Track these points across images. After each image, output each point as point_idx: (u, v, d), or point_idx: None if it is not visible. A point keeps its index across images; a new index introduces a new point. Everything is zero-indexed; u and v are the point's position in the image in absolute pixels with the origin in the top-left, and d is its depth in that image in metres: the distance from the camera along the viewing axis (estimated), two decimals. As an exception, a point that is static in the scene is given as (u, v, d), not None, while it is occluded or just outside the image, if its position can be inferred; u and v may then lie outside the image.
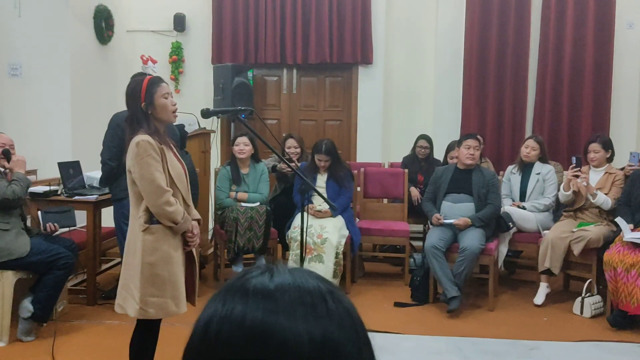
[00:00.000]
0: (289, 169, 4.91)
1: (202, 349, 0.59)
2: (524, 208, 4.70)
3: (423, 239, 5.53)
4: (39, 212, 3.64)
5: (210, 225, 5.26)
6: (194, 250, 2.78)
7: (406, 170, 5.25)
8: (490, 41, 6.16)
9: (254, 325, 0.57)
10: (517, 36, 6.13)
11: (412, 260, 4.98)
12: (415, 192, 5.34)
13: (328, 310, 0.60)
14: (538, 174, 4.80)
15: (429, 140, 5.69)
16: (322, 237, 4.38)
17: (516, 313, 4.25)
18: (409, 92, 6.50)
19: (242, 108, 2.81)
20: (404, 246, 4.95)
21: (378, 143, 6.44)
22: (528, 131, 6.14)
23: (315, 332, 0.57)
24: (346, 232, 4.53)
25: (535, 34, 6.16)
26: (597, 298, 4.21)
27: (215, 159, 5.95)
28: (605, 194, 4.38)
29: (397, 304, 4.32)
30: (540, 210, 4.70)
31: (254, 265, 0.64)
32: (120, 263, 2.81)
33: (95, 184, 4.33)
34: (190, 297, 2.76)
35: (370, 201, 5.41)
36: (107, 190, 4.29)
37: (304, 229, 3.44)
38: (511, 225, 4.50)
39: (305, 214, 3.63)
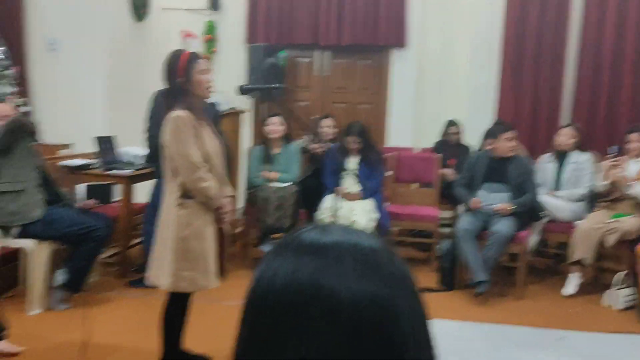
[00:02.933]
0: (320, 149, 4.90)
1: (258, 300, 0.61)
2: (558, 197, 4.62)
3: (451, 225, 5.50)
4: (81, 186, 3.71)
5: (240, 204, 5.30)
6: (224, 226, 2.81)
7: (439, 155, 5.20)
8: (529, 25, 6.01)
9: (305, 277, 0.58)
10: (557, 21, 5.98)
11: (439, 246, 4.94)
12: (447, 171, 5.30)
13: (380, 267, 0.60)
14: (574, 162, 4.70)
15: (458, 125, 5.65)
16: (351, 219, 4.37)
17: (545, 303, 4.20)
18: (443, 77, 6.40)
19: (277, 85, 2.80)
20: (433, 231, 4.91)
21: (409, 127, 6.37)
22: (564, 119, 6.00)
23: (366, 287, 0.57)
24: (375, 216, 4.52)
25: (576, 19, 5.99)
26: (629, 290, 4.12)
27: (246, 139, 5.97)
28: (644, 185, 4.27)
29: (424, 290, 4.30)
30: (574, 200, 4.61)
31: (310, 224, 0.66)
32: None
33: (130, 159, 4.39)
34: (219, 273, 2.80)
35: (400, 185, 5.38)
36: (140, 166, 4.35)
37: (336, 210, 3.43)
38: (543, 214, 4.43)
39: (334, 195, 3.64)
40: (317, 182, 4.84)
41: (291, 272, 0.59)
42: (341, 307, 0.56)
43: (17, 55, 5.58)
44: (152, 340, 2.84)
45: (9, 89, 5.21)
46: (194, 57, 2.67)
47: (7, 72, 5.23)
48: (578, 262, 4.28)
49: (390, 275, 0.60)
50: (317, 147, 4.94)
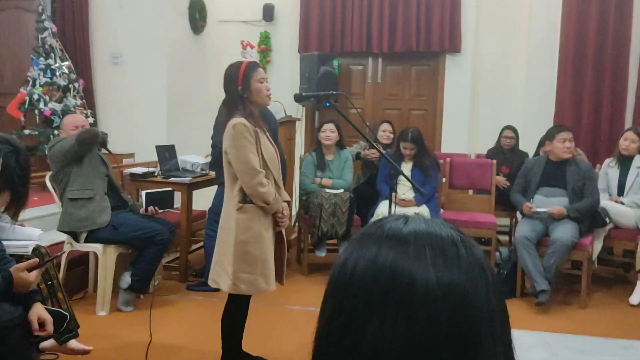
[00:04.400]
0: (375, 156, 4.91)
1: (340, 284, 0.63)
2: (622, 203, 4.45)
3: (509, 233, 5.38)
4: (142, 193, 3.86)
5: (294, 211, 5.36)
6: (283, 231, 2.86)
7: (494, 162, 5.12)
8: (589, 28, 5.85)
9: (385, 264, 0.60)
10: (618, 23, 5.78)
11: (497, 254, 4.85)
12: (499, 178, 5.21)
13: (459, 257, 0.61)
14: (638, 167, 4.53)
15: (514, 130, 5.54)
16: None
17: (610, 312, 4.05)
18: (499, 82, 6.31)
19: (334, 92, 2.84)
20: (490, 239, 4.82)
21: (464, 133, 6.30)
22: (627, 123, 5.79)
23: (444, 276, 0.59)
24: (430, 222, 4.47)
25: (638, 19, 5.78)
26: (702, 301, 3.93)
27: (299, 147, 6.05)
28: None
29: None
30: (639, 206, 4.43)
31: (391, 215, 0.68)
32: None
33: (190, 167, 4.53)
34: (279, 277, 2.85)
35: (455, 192, 5.32)
36: (199, 173, 4.49)
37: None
38: (607, 221, 4.28)
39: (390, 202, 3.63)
40: (371, 188, 4.85)
41: (372, 259, 0.61)
42: (420, 293, 0.58)
43: (83, 69, 5.87)
44: (213, 342, 2.91)
45: (75, 101, 5.48)
46: (253, 66, 2.75)
47: (73, 85, 5.52)
48: (645, 271, 4.11)
49: (469, 265, 0.61)
50: (371, 154, 4.96)
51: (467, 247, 0.63)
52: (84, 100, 5.65)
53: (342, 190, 4.67)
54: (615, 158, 4.67)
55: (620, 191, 4.57)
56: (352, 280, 0.62)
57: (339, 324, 0.62)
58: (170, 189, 3.97)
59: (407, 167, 4.66)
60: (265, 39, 6.72)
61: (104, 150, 3.84)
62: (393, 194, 4.40)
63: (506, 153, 5.52)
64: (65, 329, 2.59)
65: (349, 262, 0.63)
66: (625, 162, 4.59)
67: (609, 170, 4.68)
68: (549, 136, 4.51)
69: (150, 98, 5.77)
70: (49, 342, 2.67)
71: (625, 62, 5.81)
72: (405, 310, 0.58)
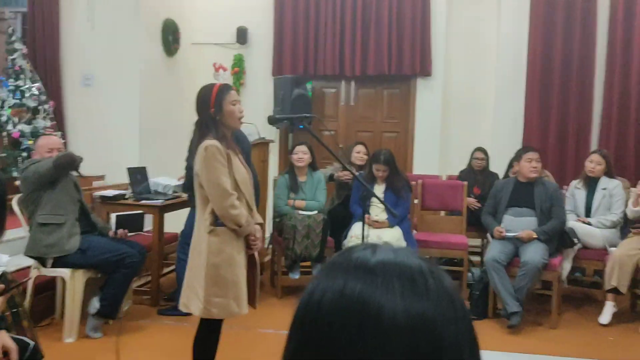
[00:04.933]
0: (348, 178, 4.93)
1: (306, 317, 0.62)
2: (589, 224, 4.55)
3: (481, 253, 5.44)
4: (112, 216, 3.80)
5: (268, 233, 5.34)
6: (255, 253, 2.85)
7: (465, 183, 5.19)
8: (555, 52, 6.02)
9: (352, 295, 0.59)
10: (583, 47, 5.97)
11: (469, 274, 4.89)
12: (471, 200, 5.28)
13: (427, 288, 0.60)
14: (604, 189, 4.64)
15: (484, 152, 5.64)
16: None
17: (580, 332, 4.10)
18: (469, 105, 6.43)
19: (307, 115, 2.87)
20: (462, 259, 4.87)
21: (436, 155, 6.38)
22: (593, 145, 5.95)
23: (412, 308, 0.58)
24: (403, 244, 4.49)
25: (602, 44, 5.98)
26: (668, 319, 4.02)
27: (273, 169, 6.05)
28: (678, 211, 4.19)
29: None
30: (606, 227, 4.53)
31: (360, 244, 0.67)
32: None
33: (162, 189, 4.49)
34: (252, 300, 2.82)
35: (428, 213, 5.36)
36: (171, 196, 4.45)
37: (364, 238, 3.44)
38: (576, 241, 4.37)
39: (363, 223, 3.65)
40: (346, 210, 4.86)
41: (339, 291, 0.60)
42: (388, 326, 0.57)
43: (53, 90, 5.81)
44: (184, 368, 2.86)
45: (45, 123, 5.41)
46: (225, 88, 2.76)
47: (43, 106, 5.44)
48: (614, 290, 4.19)
49: (438, 297, 0.60)
50: (344, 175, 4.98)
51: (436, 278, 0.62)
52: (54, 122, 5.58)
53: (315, 212, 4.67)
54: (581, 180, 4.78)
55: (587, 212, 4.67)
56: (319, 314, 0.61)
57: (305, 359, 0.61)
58: (140, 211, 3.92)
59: (379, 189, 4.69)
60: (239, 62, 6.75)
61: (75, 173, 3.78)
62: (366, 216, 4.43)
63: (477, 174, 5.60)
64: (28, 359, 2.51)
65: (315, 295, 0.62)
66: (591, 184, 4.70)
67: (575, 192, 4.78)
68: (516, 157, 4.60)
69: (122, 120, 5.72)
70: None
71: (590, 86, 5.99)
72: (375, 342, 0.57)
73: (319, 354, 0.59)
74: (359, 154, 5.14)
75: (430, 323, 0.58)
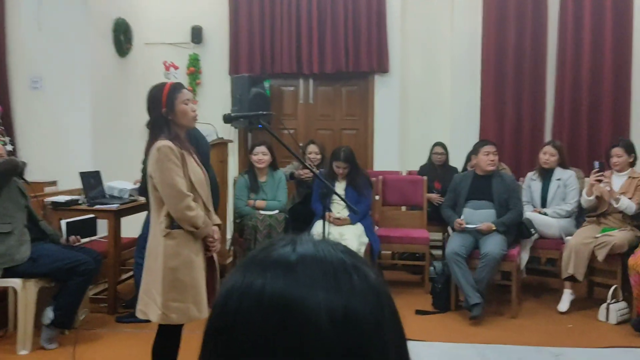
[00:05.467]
0: (308, 176, 4.91)
1: (221, 324, 0.57)
2: (545, 214, 4.64)
3: (442, 247, 5.49)
4: (62, 222, 3.66)
5: (228, 234, 5.26)
6: (214, 255, 2.78)
7: (425, 178, 5.23)
8: (508, 48, 6.13)
9: (272, 298, 0.55)
10: (535, 42, 6.10)
11: (432, 268, 4.93)
12: (433, 195, 5.33)
13: (352, 284, 0.57)
14: (559, 179, 4.74)
15: (444, 146, 5.71)
16: (341, 244, 4.35)
17: (540, 320, 4.18)
18: (426, 100, 6.49)
19: (264, 113, 2.82)
20: (424, 254, 4.90)
21: (395, 151, 6.42)
22: (547, 137, 6.08)
23: (336, 305, 0.55)
24: (365, 240, 4.50)
25: (553, 39, 6.12)
26: (623, 304, 4.13)
27: (233, 169, 5.97)
28: (629, 199, 4.31)
29: (419, 312, 4.27)
30: (562, 216, 4.64)
31: (279, 237, 0.63)
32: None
33: (117, 193, 4.36)
34: (212, 303, 2.75)
35: (389, 209, 5.38)
36: (127, 200, 4.33)
37: (325, 236, 3.42)
38: (533, 232, 4.45)
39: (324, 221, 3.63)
40: (307, 208, 4.83)
41: (258, 293, 0.56)
42: (313, 325, 0.54)
43: (0, 95, 5.57)
44: (144, 376, 2.77)
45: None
46: (177, 87, 2.68)
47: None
48: (571, 278, 4.28)
49: (363, 292, 0.57)
50: (304, 173, 4.95)
51: (360, 272, 0.58)
52: (2, 128, 5.36)
53: (276, 211, 4.63)
54: (536, 171, 4.88)
55: (543, 203, 4.76)
56: (236, 320, 0.56)
57: None
58: (92, 216, 3.80)
59: (340, 186, 4.68)
60: (194, 61, 6.63)
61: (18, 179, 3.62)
62: (327, 213, 4.41)
63: (438, 169, 5.66)
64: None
65: (231, 300, 0.57)
66: (546, 175, 4.79)
67: (531, 183, 4.87)
68: (474, 151, 4.66)
69: (73, 123, 5.53)
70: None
71: (543, 79, 6.12)
72: (297, 352, 0.53)
73: None
74: (311, 155, 5.12)
75: (355, 321, 0.55)
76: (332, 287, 0.56)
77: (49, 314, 3.45)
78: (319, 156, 5.13)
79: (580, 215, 4.74)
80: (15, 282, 3.47)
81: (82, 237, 3.67)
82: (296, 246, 0.60)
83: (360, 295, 0.56)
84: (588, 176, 4.59)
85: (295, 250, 0.59)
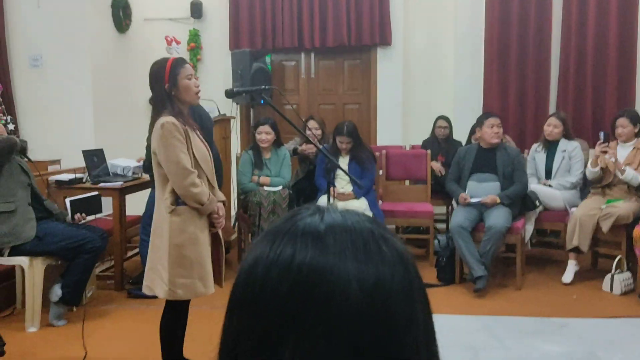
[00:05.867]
0: (311, 151, 4.89)
1: (247, 295, 0.56)
2: (550, 186, 4.63)
3: (446, 221, 5.50)
4: (67, 201, 3.66)
5: (233, 211, 5.27)
6: (219, 231, 2.79)
7: (429, 152, 5.21)
8: (512, 19, 6.04)
9: (301, 268, 0.54)
10: (539, 12, 6.00)
11: (436, 241, 4.94)
12: (436, 165, 5.31)
13: (381, 254, 0.56)
14: (564, 151, 4.72)
15: (447, 120, 5.67)
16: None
17: (544, 291, 4.20)
18: (429, 73, 6.41)
19: (266, 87, 2.79)
20: (428, 227, 4.91)
21: (398, 125, 6.37)
22: (552, 109, 6.02)
23: (366, 275, 0.54)
24: (370, 214, 4.49)
25: (558, 9, 6.02)
26: (627, 275, 4.14)
27: (235, 145, 5.95)
28: (635, 169, 4.29)
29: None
30: (567, 188, 4.62)
31: (303, 207, 0.62)
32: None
33: (120, 171, 4.36)
34: (217, 279, 2.77)
35: (392, 183, 5.38)
36: (131, 177, 4.32)
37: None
38: (537, 204, 4.44)
39: (329, 196, 3.62)
40: (310, 183, 4.83)
41: (287, 266, 0.54)
42: (343, 290, 0.53)
43: (0, 74, 5.54)
44: (153, 351, 2.80)
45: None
46: (179, 62, 2.65)
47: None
48: (575, 249, 4.29)
49: (391, 259, 0.56)
50: (308, 149, 4.93)
51: (389, 242, 0.58)
52: (3, 107, 5.33)
53: (280, 188, 4.62)
54: (541, 143, 4.85)
55: (548, 175, 4.75)
56: (263, 293, 0.55)
57: (247, 345, 0.55)
58: (96, 193, 3.79)
59: (344, 161, 4.67)
60: (194, 37, 6.55)
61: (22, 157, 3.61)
62: (331, 188, 4.40)
63: (441, 143, 5.63)
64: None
65: (257, 269, 0.56)
66: (551, 147, 4.77)
67: (536, 155, 4.85)
68: (478, 123, 4.63)
69: (74, 101, 5.50)
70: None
71: (547, 49, 6.04)
72: (325, 323, 0.52)
73: (264, 342, 0.54)
74: (311, 131, 5.09)
75: (385, 291, 0.54)
76: (362, 257, 0.55)
77: (57, 291, 3.48)
78: (318, 131, 5.11)
79: (585, 187, 4.72)
80: (22, 260, 3.49)
81: (87, 215, 3.67)
82: (324, 216, 0.59)
83: (390, 265, 0.56)
84: (593, 147, 4.56)
85: (324, 219, 0.58)
